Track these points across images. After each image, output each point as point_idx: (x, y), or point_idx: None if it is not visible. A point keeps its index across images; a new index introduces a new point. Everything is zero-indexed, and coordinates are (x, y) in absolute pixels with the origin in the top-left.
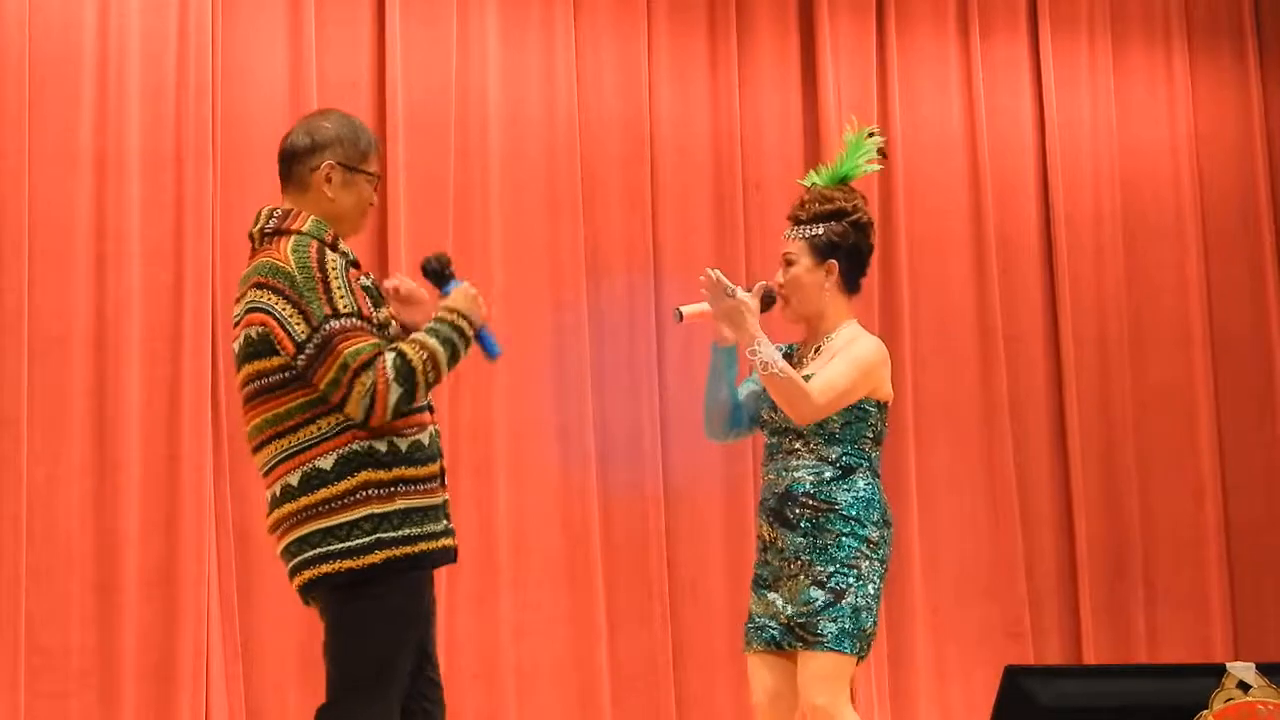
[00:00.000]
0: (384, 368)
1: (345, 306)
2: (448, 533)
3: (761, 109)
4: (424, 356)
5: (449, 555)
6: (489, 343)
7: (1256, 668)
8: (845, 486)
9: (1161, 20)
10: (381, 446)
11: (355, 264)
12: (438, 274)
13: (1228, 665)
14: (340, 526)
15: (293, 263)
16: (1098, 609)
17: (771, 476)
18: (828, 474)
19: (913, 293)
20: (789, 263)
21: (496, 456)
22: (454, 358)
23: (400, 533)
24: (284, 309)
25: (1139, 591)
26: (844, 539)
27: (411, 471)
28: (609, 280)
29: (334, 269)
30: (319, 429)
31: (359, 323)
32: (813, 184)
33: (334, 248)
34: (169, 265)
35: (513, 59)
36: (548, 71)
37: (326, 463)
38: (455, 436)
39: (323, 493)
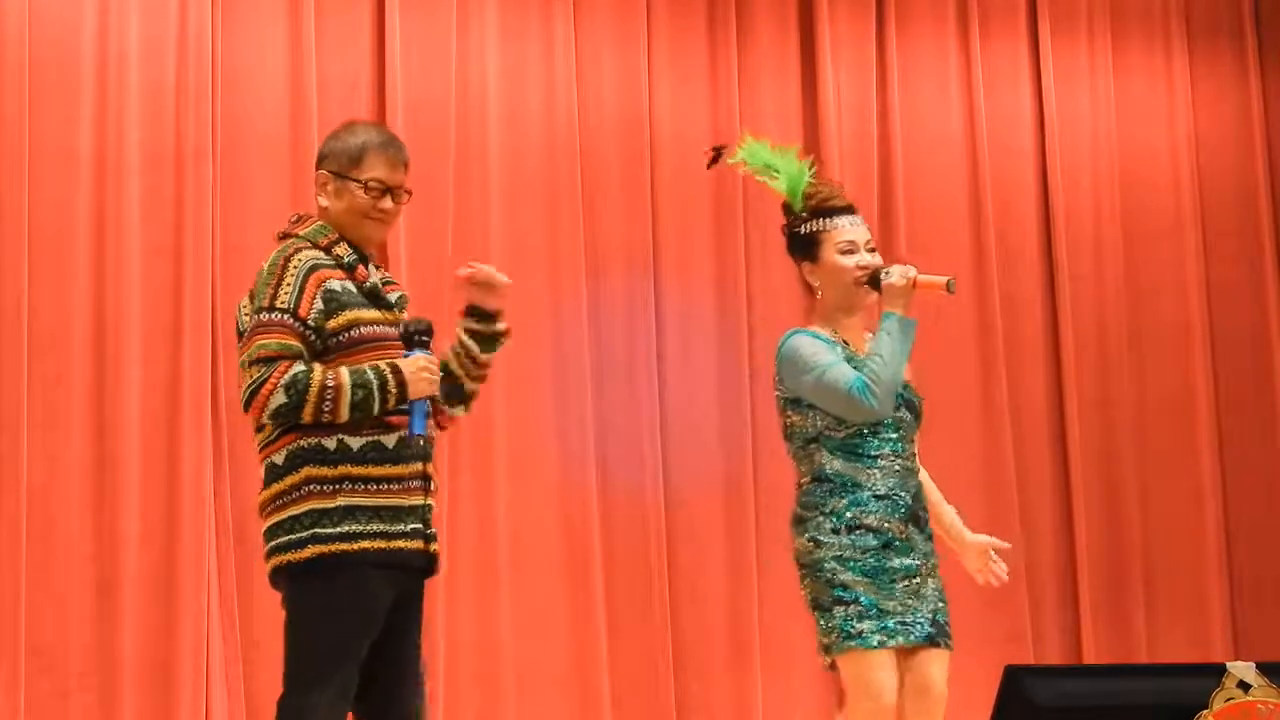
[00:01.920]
0: (281, 371)
1: (282, 303)
2: (409, 535)
3: (761, 108)
4: (329, 384)
5: (406, 558)
6: (415, 419)
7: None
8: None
9: (1161, 20)
10: (330, 444)
11: (349, 267)
12: (409, 337)
13: (1228, 665)
14: (286, 520)
15: (266, 263)
16: (1098, 609)
17: (902, 474)
18: (919, 478)
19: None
20: (873, 248)
21: (496, 457)
22: (360, 404)
23: (339, 529)
24: (247, 305)
25: (1139, 591)
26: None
27: (361, 470)
28: (609, 279)
29: (294, 269)
30: (273, 425)
31: (287, 319)
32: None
33: (328, 251)
34: (169, 265)
35: (512, 58)
36: (547, 71)
37: (279, 458)
38: (455, 437)
39: (275, 487)
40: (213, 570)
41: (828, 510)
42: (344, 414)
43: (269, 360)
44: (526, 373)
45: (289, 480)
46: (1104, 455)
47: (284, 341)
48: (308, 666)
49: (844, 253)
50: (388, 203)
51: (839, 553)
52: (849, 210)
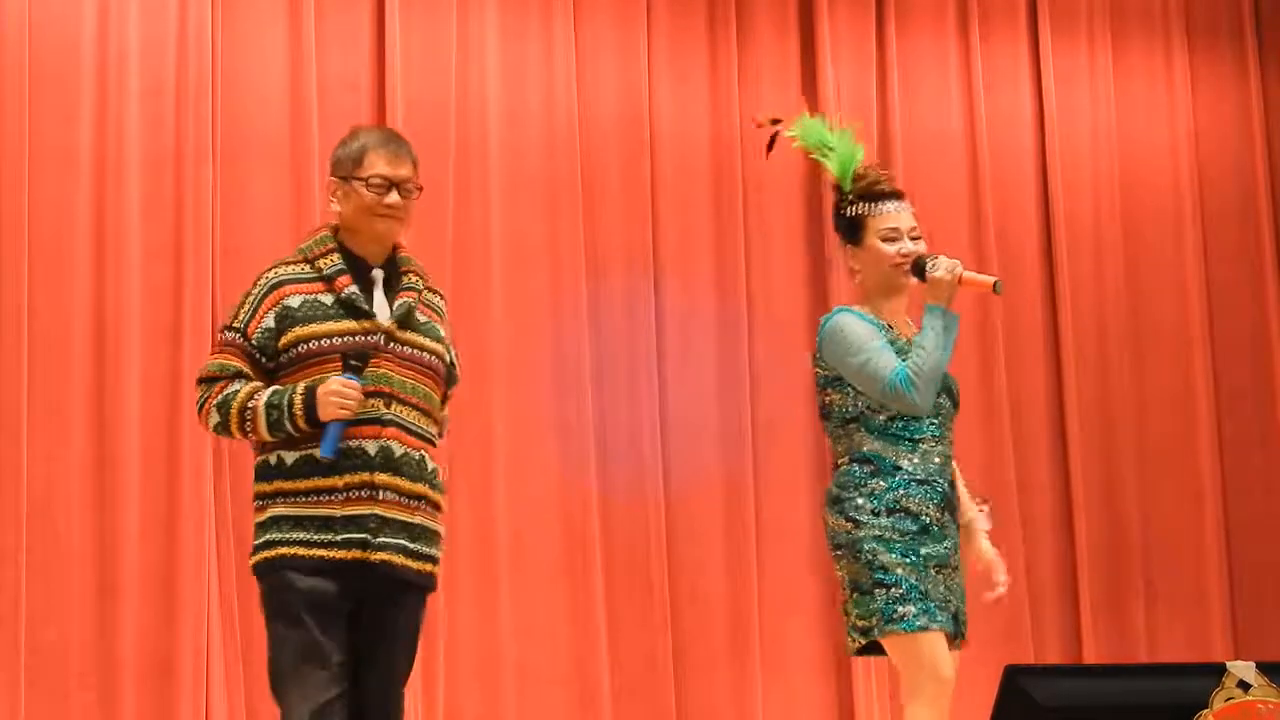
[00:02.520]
0: (217, 391)
1: (237, 322)
2: (340, 544)
3: (761, 108)
4: (248, 405)
5: (336, 566)
6: (324, 441)
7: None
8: None
9: (1161, 19)
10: (272, 460)
11: (329, 278)
12: (344, 360)
13: (1228, 664)
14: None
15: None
16: (1097, 608)
17: (939, 461)
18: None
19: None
20: (917, 236)
21: (496, 457)
22: (275, 425)
23: (264, 538)
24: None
25: (1139, 590)
26: None
27: (290, 485)
28: (608, 279)
29: (259, 286)
30: (252, 444)
31: (235, 339)
32: (855, 166)
33: (313, 263)
34: (169, 265)
35: (512, 58)
36: (547, 70)
37: (254, 474)
38: (455, 437)
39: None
40: (213, 570)
41: (867, 491)
42: (264, 433)
43: (209, 380)
44: (526, 372)
45: (255, 489)
46: (1104, 455)
47: (224, 362)
48: (274, 674)
49: (886, 239)
50: (394, 197)
51: (879, 534)
52: (895, 196)
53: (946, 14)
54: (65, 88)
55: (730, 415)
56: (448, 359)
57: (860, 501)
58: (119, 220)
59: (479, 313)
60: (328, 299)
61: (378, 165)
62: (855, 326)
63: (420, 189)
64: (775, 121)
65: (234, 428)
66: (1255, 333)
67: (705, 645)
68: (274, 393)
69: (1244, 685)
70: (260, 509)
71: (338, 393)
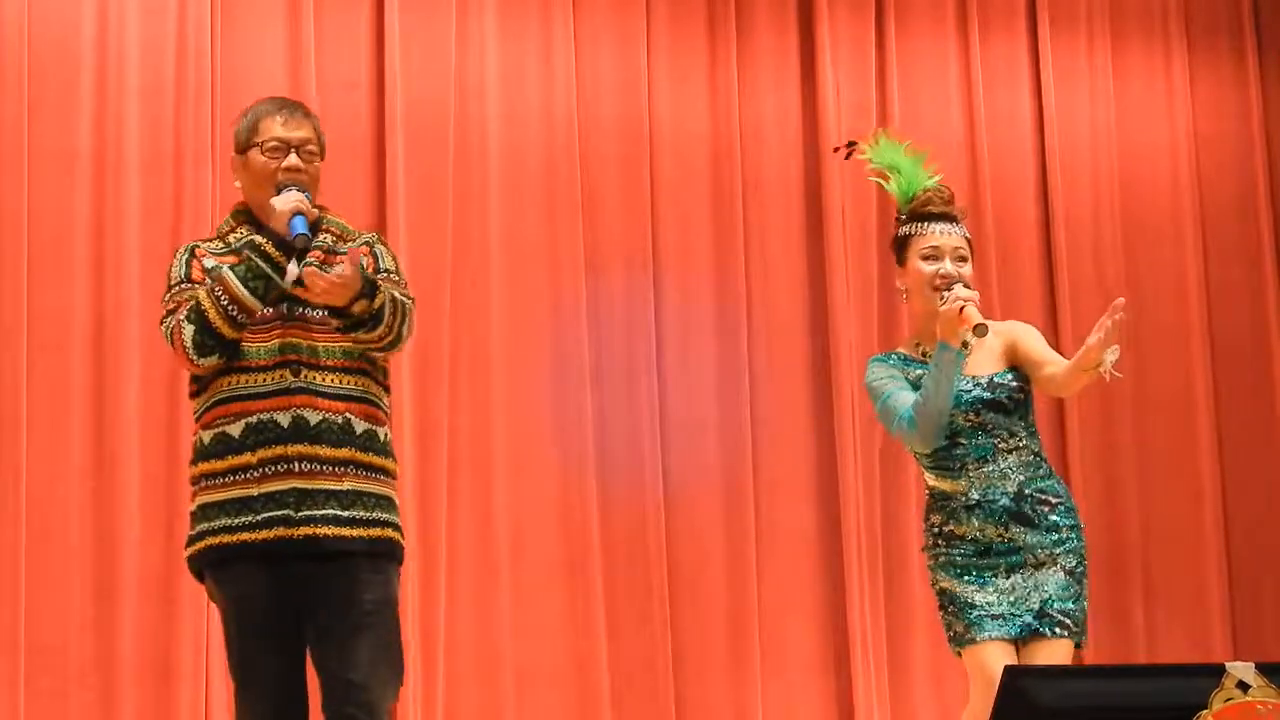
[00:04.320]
0: (180, 311)
1: (174, 278)
2: (260, 524)
3: (761, 108)
4: (211, 287)
5: (264, 548)
6: (293, 227)
7: (1256, 667)
8: (1056, 479)
9: (1160, 19)
10: (198, 441)
11: (237, 251)
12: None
13: (1227, 665)
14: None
15: None
16: (1096, 609)
17: (997, 478)
18: (1043, 469)
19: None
20: (962, 258)
21: (495, 456)
22: (249, 273)
23: (196, 529)
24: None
25: (1138, 591)
26: (1074, 530)
27: (209, 466)
28: (608, 279)
29: (177, 256)
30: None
31: (182, 286)
32: (923, 186)
33: (224, 239)
34: (168, 265)
35: (512, 58)
36: (547, 70)
37: None
38: (454, 435)
39: None
40: None
41: (930, 523)
42: (241, 292)
43: (171, 312)
44: (526, 372)
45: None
46: (1103, 454)
47: (177, 300)
48: (229, 664)
49: (926, 258)
50: (293, 159)
51: (938, 559)
52: (944, 218)
53: (946, 14)
54: (64, 88)
55: (730, 414)
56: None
57: (927, 532)
58: (118, 220)
59: (478, 312)
60: (240, 270)
61: (272, 129)
62: (875, 373)
63: (321, 152)
64: (852, 144)
65: (211, 314)
66: (1255, 332)
67: (705, 645)
68: (229, 265)
69: (1243, 686)
70: (191, 496)
71: (279, 199)
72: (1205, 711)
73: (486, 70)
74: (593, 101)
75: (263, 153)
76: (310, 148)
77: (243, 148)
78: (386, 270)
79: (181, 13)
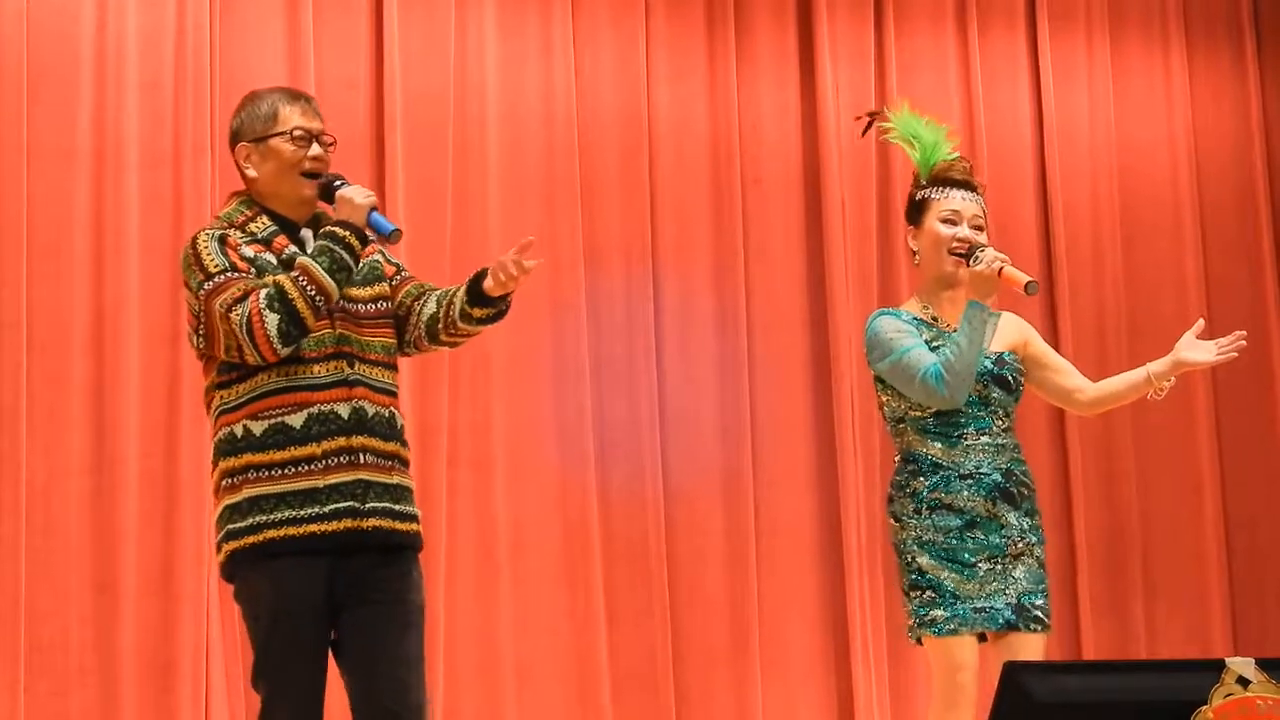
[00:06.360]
0: (256, 299)
1: (215, 266)
2: (328, 516)
3: (760, 105)
4: (295, 276)
5: (331, 541)
6: (379, 224)
7: (1256, 663)
8: (1028, 468)
9: (1159, 17)
10: (239, 431)
11: (265, 240)
12: (325, 189)
13: (1227, 660)
14: (217, 519)
15: (181, 257)
16: (1096, 604)
17: (991, 451)
18: (1021, 455)
19: (911, 290)
20: (979, 227)
21: (495, 453)
22: (335, 265)
23: (247, 522)
24: (191, 299)
25: (1138, 587)
26: (1040, 521)
27: (263, 457)
28: (607, 275)
29: (204, 244)
30: (210, 416)
31: (230, 275)
32: (943, 156)
33: (243, 228)
34: (167, 262)
35: (511, 55)
36: (546, 68)
37: (213, 451)
38: (454, 433)
39: (211, 484)
40: (212, 569)
41: (910, 491)
42: (329, 283)
43: (238, 301)
44: (525, 367)
45: (214, 478)
46: (1103, 450)
47: (239, 285)
48: (258, 669)
49: (945, 221)
50: (316, 149)
51: (919, 534)
52: (965, 186)
53: (945, 10)
54: (63, 84)
55: (729, 409)
56: (396, 279)
57: (904, 500)
58: (118, 216)
59: None
60: (271, 258)
61: (295, 118)
62: (888, 326)
63: (334, 142)
64: (874, 114)
65: (300, 306)
66: (1254, 327)
67: (705, 642)
68: (309, 254)
69: (1243, 681)
70: (231, 489)
71: (352, 191)
72: (1205, 707)
73: (486, 67)
74: (592, 98)
75: (291, 140)
76: (327, 139)
77: (261, 135)
78: (396, 264)
79: (180, 8)
